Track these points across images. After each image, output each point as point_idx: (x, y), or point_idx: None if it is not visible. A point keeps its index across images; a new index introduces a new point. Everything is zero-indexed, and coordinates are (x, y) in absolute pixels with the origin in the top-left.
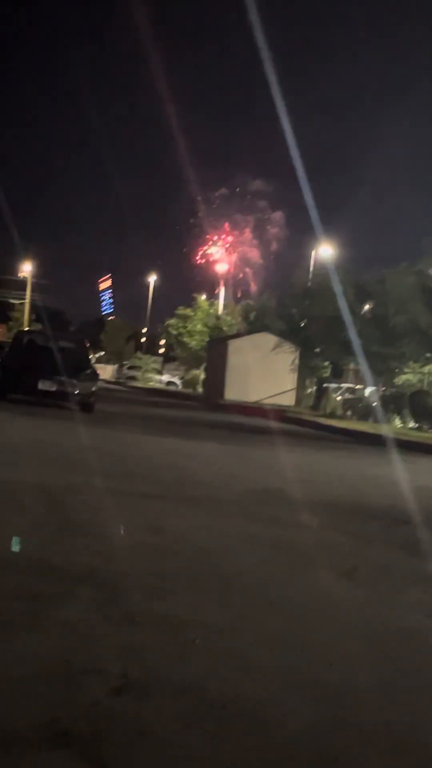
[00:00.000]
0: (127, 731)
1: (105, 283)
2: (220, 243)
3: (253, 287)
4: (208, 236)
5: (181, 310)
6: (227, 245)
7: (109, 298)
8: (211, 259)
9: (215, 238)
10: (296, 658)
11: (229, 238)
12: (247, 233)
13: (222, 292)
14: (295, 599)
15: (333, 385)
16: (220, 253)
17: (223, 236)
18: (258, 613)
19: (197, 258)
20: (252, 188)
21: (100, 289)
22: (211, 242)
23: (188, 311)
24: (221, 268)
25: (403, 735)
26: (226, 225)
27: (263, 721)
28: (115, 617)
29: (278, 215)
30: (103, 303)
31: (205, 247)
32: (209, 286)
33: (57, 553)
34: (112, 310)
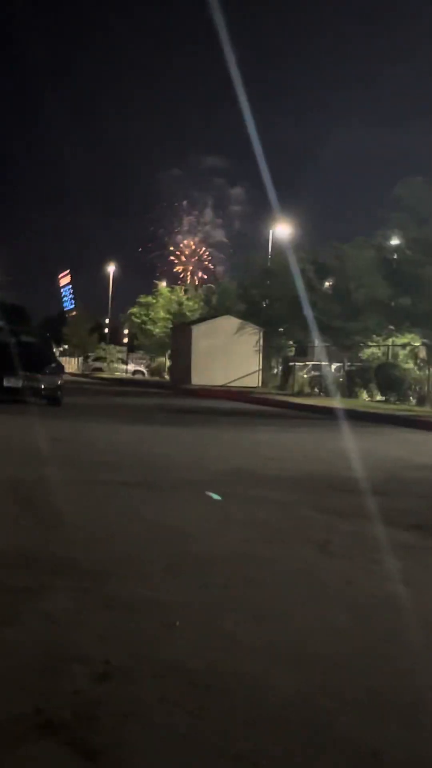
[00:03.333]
0: (112, 716)
1: (65, 279)
2: (182, 225)
3: (217, 269)
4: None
5: (143, 298)
6: (187, 228)
7: (70, 293)
8: (171, 246)
9: (176, 220)
10: (278, 632)
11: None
12: (207, 213)
13: (186, 277)
14: (273, 575)
15: (299, 364)
16: (181, 235)
17: (184, 217)
18: (237, 591)
19: (157, 246)
20: (207, 165)
21: (61, 284)
22: (172, 225)
23: (150, 299)
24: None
25: (387, 698)
26: (184, 204)
27: (249, 695)
28: (95, 605)
29: (238, 191)
30: (64, 299)
31: (166, 234)
32: (170, 273)
33: (33, 545)
34: (73, 306)
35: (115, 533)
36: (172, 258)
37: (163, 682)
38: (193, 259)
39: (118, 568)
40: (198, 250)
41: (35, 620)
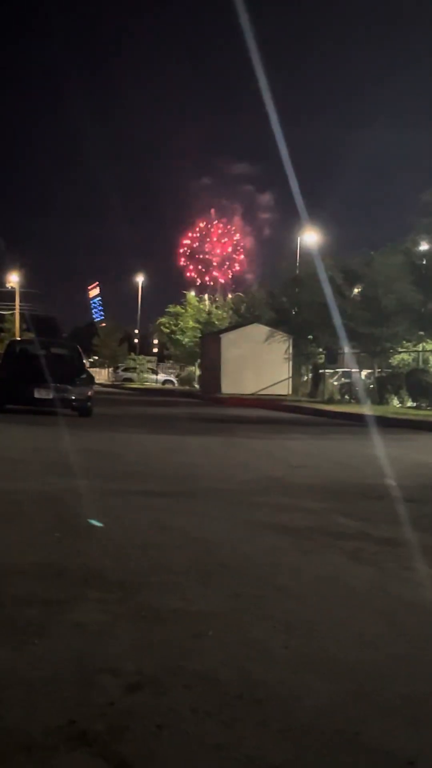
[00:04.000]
0: (144, 727)
1: (94, 291)
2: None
3: (250, 276)
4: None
5: (172, 308)
6: (217, 237)
7: (99, 304)
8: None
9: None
10: (309, 640)
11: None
12: (237, 221)
13: (215, 285)
14: (304, 583)
15: (329, 371)
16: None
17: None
18: (268, 600)
19: (185, 254)
20: (236, 172)
21: (90, 296)
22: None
23: (178, 308)
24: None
25: (421, 706)
26: (213, 212)
27: (281, 704)
28: (126, 615)
29: (266, 198)
30: (94, 310)
31: (194, 242)
32: (199, 282)
33: (64, 556)
34: (102, 317)
35: (145, 543)
36: (200, 267)
37: (195, 692)
38: (222, 268)
39: (149, 579)
40: (226, 258)
41: (67, 631)
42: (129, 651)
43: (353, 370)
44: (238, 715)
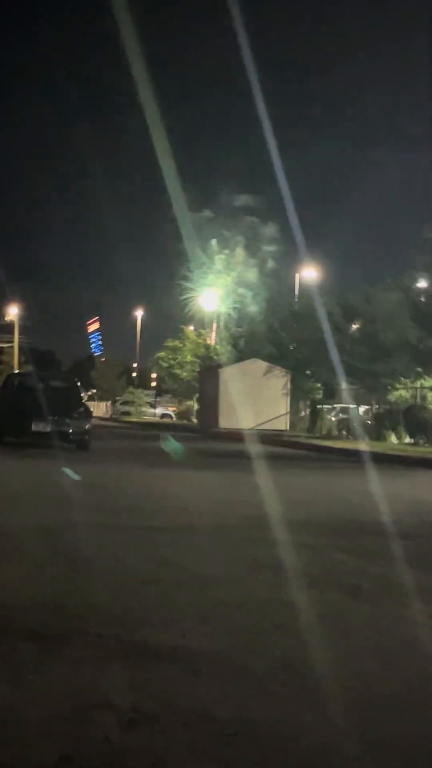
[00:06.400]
0: (141, 764)
1: (93, 325)
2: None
3: (251, 309)
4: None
5: (170, 342)
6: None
7: (98, 339)
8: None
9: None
10: (306, 678)
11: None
12: (239, 254)
13: (215, 320)
14: (302, 620)
15: (327, 406)
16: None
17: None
18: (266, 637)
19: (186, 290)
20: (238, 204)
21: (89, 331)
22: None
23: (177, 343)
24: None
25: (417, 745)
26: (214, 243)
27: (278, 743)
28: (123, 652)
29: (269, 230)
30: (93, 344)
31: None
32: (199, 316)
33: (61, 592)
34: (101, 351)
35: (144, 579)
36: (201, 300)
37: (192, 730)
38: (225, 301)
39: (147, 615)
40: (229, 290)
41: (63, 667)
42: (125, 688)
43: (351, 405)
44: (235, 753)
